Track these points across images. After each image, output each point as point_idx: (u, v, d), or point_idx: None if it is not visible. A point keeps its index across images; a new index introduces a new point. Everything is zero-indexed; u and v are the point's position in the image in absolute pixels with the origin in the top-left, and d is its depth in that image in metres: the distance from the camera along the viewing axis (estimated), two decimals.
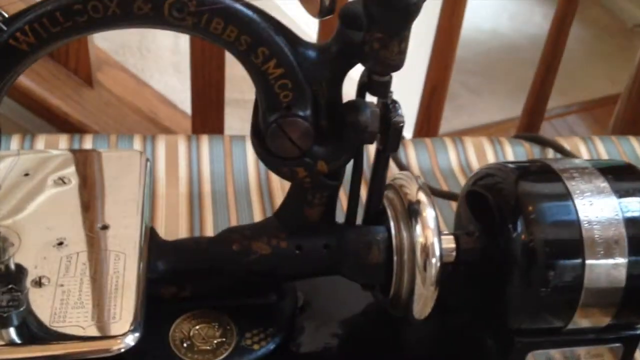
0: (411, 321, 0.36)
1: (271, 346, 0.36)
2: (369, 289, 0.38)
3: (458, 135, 0.62)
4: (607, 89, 1.69)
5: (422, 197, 0.35)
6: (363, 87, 0.33)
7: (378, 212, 0.36)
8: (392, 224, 0.35)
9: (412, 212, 0.35)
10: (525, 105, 0.79)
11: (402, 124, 0.32)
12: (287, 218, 0.35)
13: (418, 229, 0.34)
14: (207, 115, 0.61)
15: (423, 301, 0.35)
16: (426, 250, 0.34)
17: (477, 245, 0.37)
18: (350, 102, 0.32)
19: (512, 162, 0.38)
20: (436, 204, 0.37)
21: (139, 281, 0.31)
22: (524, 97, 0.78)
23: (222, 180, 0.54)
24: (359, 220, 0.37)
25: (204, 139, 0.57)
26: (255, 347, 0.36)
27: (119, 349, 0.29)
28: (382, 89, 0.31)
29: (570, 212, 0.35)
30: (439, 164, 0.59)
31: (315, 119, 0.31)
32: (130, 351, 0.34)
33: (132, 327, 0.29)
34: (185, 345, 0.35)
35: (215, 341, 0.36)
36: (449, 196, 0.52)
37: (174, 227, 0.49)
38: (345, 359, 0.38)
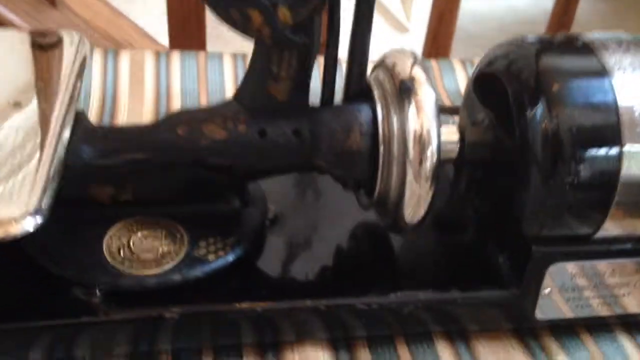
0: (402, 229, 0.29)
1: (230, 257, 0.29)
2: (352, 189, 0.31)
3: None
4: None
5: (417, 73, 0.28)
6: None
7: (362, 92, 0.29)
8: (378, 105, 0.28)
9: (404, 92, 0.28)
10: None
11: None
12: (248, 98, 0.28)
13: (411, 111, 0.27)
14: (185, 31, 0.54)
15: (416, 201, 0.28)
16: (421, 139, 0.27)
17: (487, 138, 0.30)
18: None
19: (533, 36, 0.31)
20: None
21: (51, 163, 0.25)
22: None
23: (194, 100, 0.48)
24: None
25: (175, 55, 0.50)
26: (210, 257, 0.29)
27: (13, 235, 0.22)
28: None
29: (604, 89, 0.28)
30: (444, 85, 0.51)
31: None
32: (51, 257, 0.28)
33: (32, 210, 0.23)
34: (122, 253, 0.29)
35: (160, 250, 0.29)
36: (452, 110, 0.45)
37: None
38: (324, 279, 0.31)
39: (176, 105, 0.47)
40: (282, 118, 0.28)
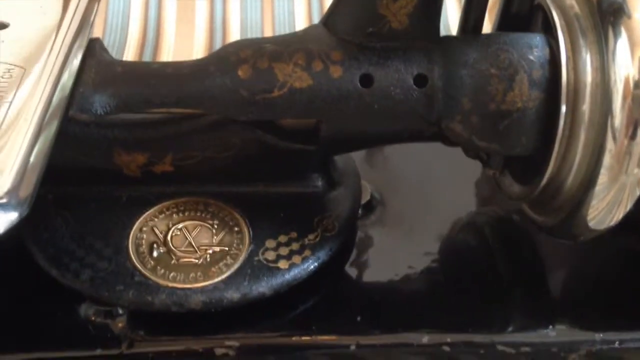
0: (575, 235, 0.19)
1: (310, 265, 0.20)
2: (495, 168, 0.20)
3: None
4: None
5: None
6: None
7: (530, 15, 0.19)
8: (561, 37, 0.18)
9: (608, 13, 0.17)
10: None
11: None
12: (346, 23, 0.18)
13: (620, 46, 0.17)
14: None
15: (613, 196, 0.18)
16: (638, 92, 0.17)
17: None
18: None
19: None
20: None
21: (42, 117, 0.16)
22: None
23: (257, 35, 0.38)
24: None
25: None
26: (282, 264, 0.20)
27: None
28: None
29: None
30: None
31: None
32: (57, 261, 0.19)
33: (5, 197, 0.14)
34: (155, 253, 0.20)
35: (210, 250, 0.20)
36: None
37: None
38: (446, 302, 0.21)
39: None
40: (399, 56, 0.18)
